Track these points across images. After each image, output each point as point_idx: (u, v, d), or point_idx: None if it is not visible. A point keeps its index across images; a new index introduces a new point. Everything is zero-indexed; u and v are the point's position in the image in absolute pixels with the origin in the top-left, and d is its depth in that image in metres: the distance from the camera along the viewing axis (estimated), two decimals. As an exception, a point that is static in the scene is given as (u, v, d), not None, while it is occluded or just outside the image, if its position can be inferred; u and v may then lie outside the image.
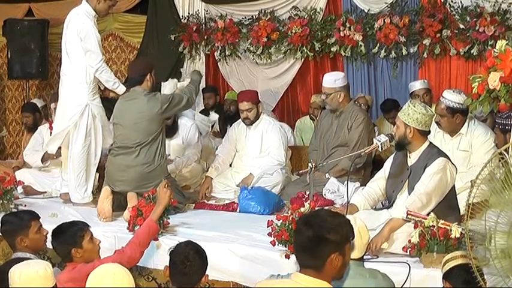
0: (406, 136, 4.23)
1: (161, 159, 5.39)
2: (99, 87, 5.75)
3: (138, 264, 4.56)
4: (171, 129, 6.21)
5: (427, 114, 4.20)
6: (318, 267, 2.59)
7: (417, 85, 6.54)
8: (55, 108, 6.43)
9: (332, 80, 5.79)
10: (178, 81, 6.28)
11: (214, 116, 7.62)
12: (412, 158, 4.29)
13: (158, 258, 4.50)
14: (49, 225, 3.97)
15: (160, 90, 5.88)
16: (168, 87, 6.09)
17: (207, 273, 3.32)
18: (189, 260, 3.20)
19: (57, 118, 5.75)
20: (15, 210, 5.17)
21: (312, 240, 2.57)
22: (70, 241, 3.64)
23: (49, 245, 3.89)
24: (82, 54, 5.51)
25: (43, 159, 6.40)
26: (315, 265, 2.59)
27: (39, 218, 3.95)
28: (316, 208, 4.09)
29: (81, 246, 3.66)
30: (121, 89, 5.58)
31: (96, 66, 5.49)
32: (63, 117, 5.63)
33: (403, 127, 4.23)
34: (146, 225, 4.19)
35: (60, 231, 3.68)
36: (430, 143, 4.32)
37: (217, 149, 6.46)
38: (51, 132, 6.48)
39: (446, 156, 4.22)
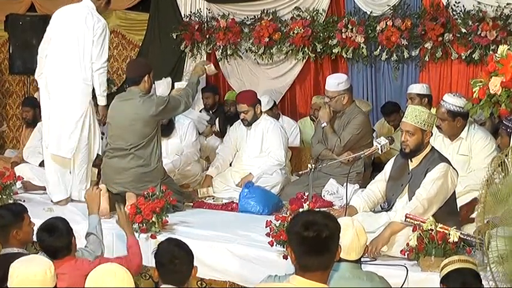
0: (423, 142, 4.20)
1: (158, 161, 5.36)
2: None
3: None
4: (168, 129, 6.20)
5: (432, 114, 4.22)
6: (329, 266, 2.61)
7: (414, 89, 6.37)
8: None
9: (335, 83, 5.79)
10: (179, 81, 6.28)
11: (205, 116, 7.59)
12: (414, 162, 4.28)
13: (156, 256, 4.50)
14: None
15: (154, 90, 5.87)
16: (162, 86, 6.08)
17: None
18: (177, 257, 3.18)
19: (64, 117, 5.61)
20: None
21: (327, 240, 2.56)
22: (69, 231, 3.63)
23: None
24: (89, 51, 5.50)
25: (41, 165, 6.38)
26: (328, 264, 2.61)
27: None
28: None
29: (74, 235, 3.67)
30: (105, 100, 5.60)
31: (103, 65, 5.52)
32: (73, 116, 5.59)
33: (420, 133, 4.17)
34: (132, 240, 4.12)
35: (53, 225, 3.62)
36: (432, 147, 4.31)
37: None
38: None
39: (447, 161, 4.21)
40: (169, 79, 6.44)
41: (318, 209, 3.88)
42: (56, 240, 3.58)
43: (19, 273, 2.89)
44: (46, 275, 2.90)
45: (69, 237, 3.61)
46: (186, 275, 3.21)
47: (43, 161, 6.34)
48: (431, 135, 4.28)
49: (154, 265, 4.41)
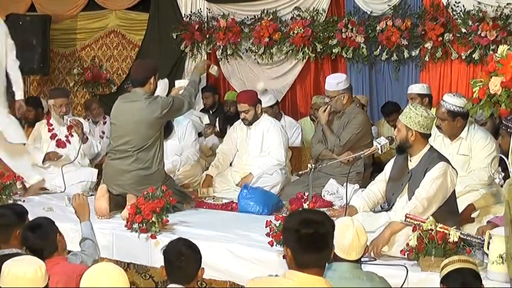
0: (408, 139, 4.23)
1: (159, 164, 5.34)
2: None
3: (135, 262, 4.59)
4: (167, 129, 6.13)
5: (428, 117, 4.21)
6: (324, 264, 2.67)
7: (414, 89, 6.40)
8: (54, 105, 6.44)
9: (335, 83, 5.79)
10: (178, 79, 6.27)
11: (206, 119, 7.58)
12: (413, 162, 4.29)
13: (156, 256, 4.48)
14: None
15: None
16: (159, 87, 6.06)
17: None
18: (183, 254, 3.22)
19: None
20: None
21: (324, 237, 2.63)
22: (53, 228, 3.58)
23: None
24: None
25: (44, 161, 6.36)
26: (324, 262, 2.66)
27: None
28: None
29: (59, 232, 3.64)
30: None
31: None
32: None
33: (405, 130, 4.23)
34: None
35: (36, 224, 3.58)
36: (431, 146, 4.32)
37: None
38: (48, 129, 6.51)
39: (446, 160, 4.21)
40: (166, 80, 6.41)
41: (310, 208, 3.95)
42: (41, 237, 3.52)
43: (10, 271, 2.87)
44: (36, 274, 2.88)
45: (53, 234, 3.56)
46: (191, 274, 3.23)
47: (44, 159, 6.36)
48: (417, 134, 4.21)
49: (154, 265, 4.47)
